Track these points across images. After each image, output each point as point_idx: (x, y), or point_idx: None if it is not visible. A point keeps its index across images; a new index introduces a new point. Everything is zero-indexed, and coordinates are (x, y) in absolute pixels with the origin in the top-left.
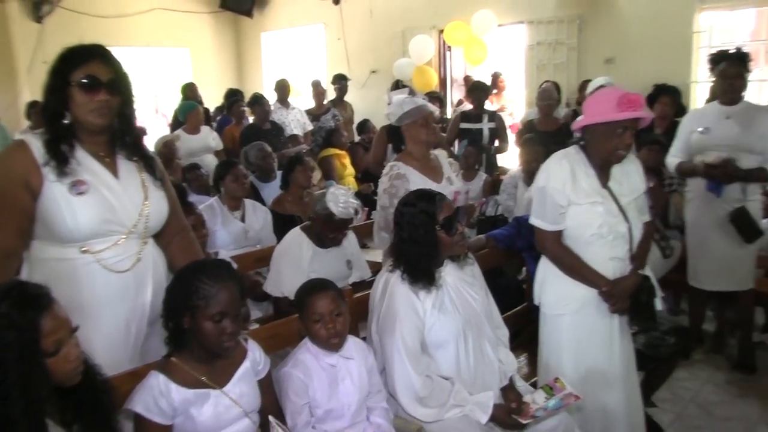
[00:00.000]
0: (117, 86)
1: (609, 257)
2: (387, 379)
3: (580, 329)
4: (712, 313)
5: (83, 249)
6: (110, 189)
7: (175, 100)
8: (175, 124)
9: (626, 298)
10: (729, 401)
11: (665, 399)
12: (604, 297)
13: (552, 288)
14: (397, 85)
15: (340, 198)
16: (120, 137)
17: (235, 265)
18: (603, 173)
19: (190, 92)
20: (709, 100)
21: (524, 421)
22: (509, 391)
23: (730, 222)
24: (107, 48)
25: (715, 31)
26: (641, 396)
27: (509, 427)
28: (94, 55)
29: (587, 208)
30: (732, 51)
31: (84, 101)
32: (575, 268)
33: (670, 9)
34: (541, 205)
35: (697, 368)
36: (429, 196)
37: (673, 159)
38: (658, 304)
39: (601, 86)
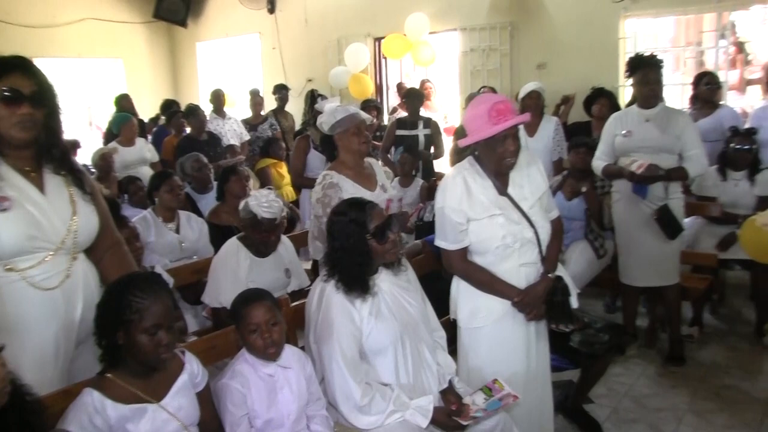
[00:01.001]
0: (40, 99)
1: (519, 264)
2: (327, 389)
3: (498, 339)
4: (645, 309)
5: (8, 267)
6: (36, 205)
7: (109, 111)
8: (109, 137)
9: (540, 304)
10: (661, 393)
11: (602, 394)
12: (518, 307)
13: (466, 303)
14: (313, 95)
15: (262, 199)
16: (47, 151)
17: (171, 280)
18: (500, 180)
19: (124, 103)
20: (630, 104)
21: (464, 422)
22: (449, 393)
23: (654, 220)
24: (31, 59)
25: (639, 37)
26: (552, 396)
27: (450, 429)
28: (16, 66)
29: (487, 222)
30: (648, 56)
31: (6, 115)
32: (485, 282)
33: (597, 16)
34: (441, 225)
35: (631, 363)
36: (359, 205)
37: (598, 162)
38: (574, 302)
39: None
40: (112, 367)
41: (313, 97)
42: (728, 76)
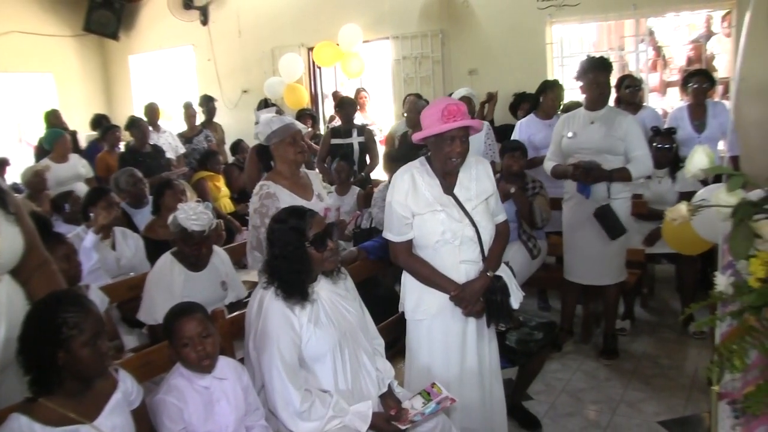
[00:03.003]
0: None
1: (459, 261)
2: (267, 396)
3: (436, 333)
4: (580, 306)
5: None
6: None
7: (40, 127)
8: (41, 153)
9: (477, 300)
10: (596, 386)
11: (540, 391)
12: (455, 301)
13: (411, 294)
14: (267, 104)
15: (190, 212)
16: None
17: (106, 299)
18: (447, 181)
19: (53, 119)
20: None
21: (403, 427)
22: (388, 398)
23: (596, 218)
24: None
25: (564, 43)
26: (503, 393)
27: None
28: None
29: (429, 217)
30: (598, 59)
31: None
32: (426, 275)
33: (524, 22)
34: (389, 218)
35: (568, 359)
36: (299, 213)
37: (548, 163)
38: (514, 303)
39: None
40: (43, 393)
41: (266, 106)
42: (649, 79)
